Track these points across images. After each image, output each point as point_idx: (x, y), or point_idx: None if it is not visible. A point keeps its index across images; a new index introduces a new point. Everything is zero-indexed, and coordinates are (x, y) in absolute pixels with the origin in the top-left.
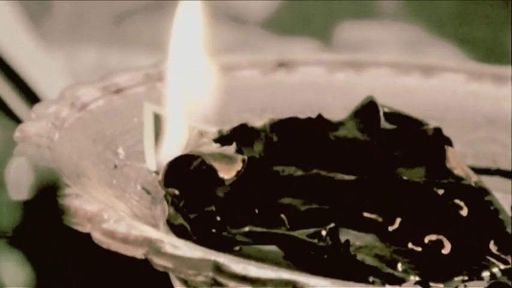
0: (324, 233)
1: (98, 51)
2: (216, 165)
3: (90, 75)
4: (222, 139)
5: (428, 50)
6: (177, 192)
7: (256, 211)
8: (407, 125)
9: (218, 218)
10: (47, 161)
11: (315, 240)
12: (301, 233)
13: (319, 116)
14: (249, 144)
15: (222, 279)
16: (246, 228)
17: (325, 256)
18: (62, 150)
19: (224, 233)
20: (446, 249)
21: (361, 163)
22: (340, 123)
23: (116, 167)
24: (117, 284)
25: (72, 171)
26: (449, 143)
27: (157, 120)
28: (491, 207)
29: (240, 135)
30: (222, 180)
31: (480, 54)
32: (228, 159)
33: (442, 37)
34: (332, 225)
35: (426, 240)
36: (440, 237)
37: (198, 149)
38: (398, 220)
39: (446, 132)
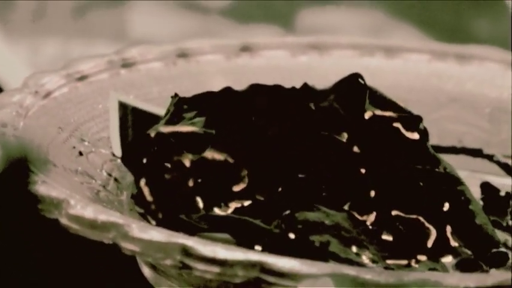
0: (278, 221)
1: (61, 43)
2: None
3: (53, 67)
4: (204, 101)
5: (390, 34)
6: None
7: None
8: (389, 109)
9: (177, 200)
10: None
11: (271, 227)
12: (256, 219)
13: (305, 85)
14: (231, 109)
15: (190, 262)
16: (202, 212)
17: (278, 243)
18: (27, 138)
19: (182, 216)
20: (432, 237)
21: (340, 138)
22: (323, 94)
23: (81, 154)
24: (85, 269)
25: (38, 159)
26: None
27: (123, 107)
28: (463, 197)
29: (221, 99)
30: (181, 148)
31: (443, 36)
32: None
33: (404, 21)
34: (287, 212)
35: (393, 213)
36: (420, 218)
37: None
38: (374, 213)
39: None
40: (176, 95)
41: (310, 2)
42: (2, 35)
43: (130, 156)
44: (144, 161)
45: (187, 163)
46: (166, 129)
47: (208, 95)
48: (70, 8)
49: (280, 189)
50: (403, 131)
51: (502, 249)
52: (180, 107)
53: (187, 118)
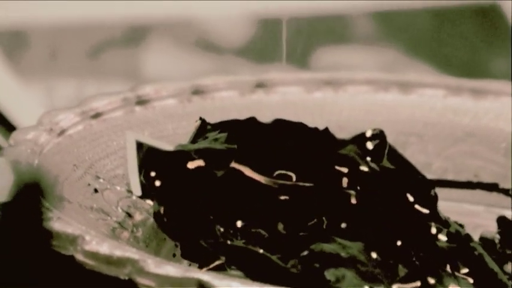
0: (295, 260)
1: (75, 83)
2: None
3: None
4: (228, 126)
5: (405, 72)
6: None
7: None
8: (404, 169)
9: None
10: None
11: (287, 266)
12: (275, 256)
13: (326, 130)
14: (254, 141)
15: None
16: (226, 241)
17: (294, 283)
18: (42, 174)
19: (201, 242)
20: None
21: (359, 183)
22: (343, 142)
23: (96, 191)
24: None
25: (53, 195)
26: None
27: (140, 147)
28: (476, 253)
29: (246, 126)
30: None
31: (458, 74)
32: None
33: (419, 58)
34: (305, 253)
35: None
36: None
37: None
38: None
39: (426, 147)
40: (201, 118)
41: (326, 41)
42: (17, 75)
43: (149, 181)
44: (158, 183)
45: (191, 166)
46: (178, 147)
47: (234, 122)
48: (84, 48)
49: (306, 223)
50: (415, 205)
51: None
52: (204, 128)
53: (210, 137)
